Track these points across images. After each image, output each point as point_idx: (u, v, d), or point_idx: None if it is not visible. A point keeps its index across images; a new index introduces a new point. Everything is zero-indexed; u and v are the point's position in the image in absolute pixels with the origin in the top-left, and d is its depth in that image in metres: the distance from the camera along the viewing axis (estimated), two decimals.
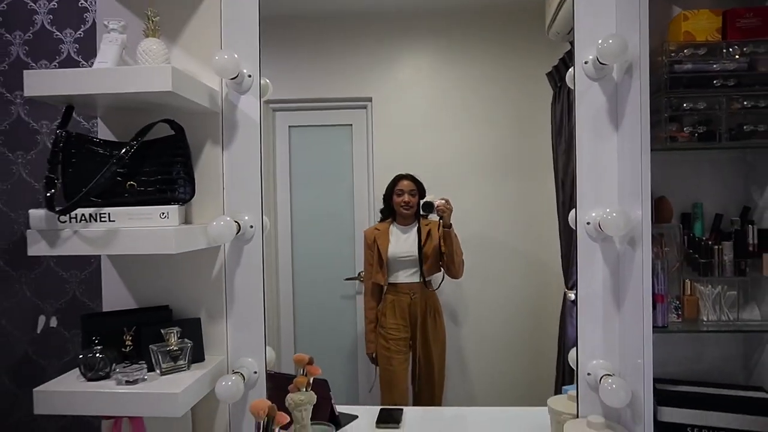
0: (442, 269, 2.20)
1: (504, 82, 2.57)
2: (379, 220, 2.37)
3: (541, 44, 2.13)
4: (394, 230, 2.28)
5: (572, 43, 1.34)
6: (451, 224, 2.17)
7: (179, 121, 1.32)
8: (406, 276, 2.20)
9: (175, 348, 1.27)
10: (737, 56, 1.20)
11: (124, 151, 1.20)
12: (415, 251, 2.20)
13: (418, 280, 2.16)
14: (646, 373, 1.18)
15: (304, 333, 2.56)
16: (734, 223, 1.33)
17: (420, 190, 2.27)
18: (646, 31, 1.16)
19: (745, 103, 1.21)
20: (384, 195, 2.34)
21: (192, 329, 1.34)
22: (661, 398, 1.31)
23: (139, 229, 1.17)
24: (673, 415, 1.30)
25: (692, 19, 1.24)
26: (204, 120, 1.38)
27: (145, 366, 1.23)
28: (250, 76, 1.38)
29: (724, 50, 1.22)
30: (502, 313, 2.53)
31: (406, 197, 2.23)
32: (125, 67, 1.22)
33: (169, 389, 1.17)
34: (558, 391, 2.29)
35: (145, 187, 1.26)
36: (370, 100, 2.64)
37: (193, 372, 1.27)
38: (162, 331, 1.26)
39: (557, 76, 2.26)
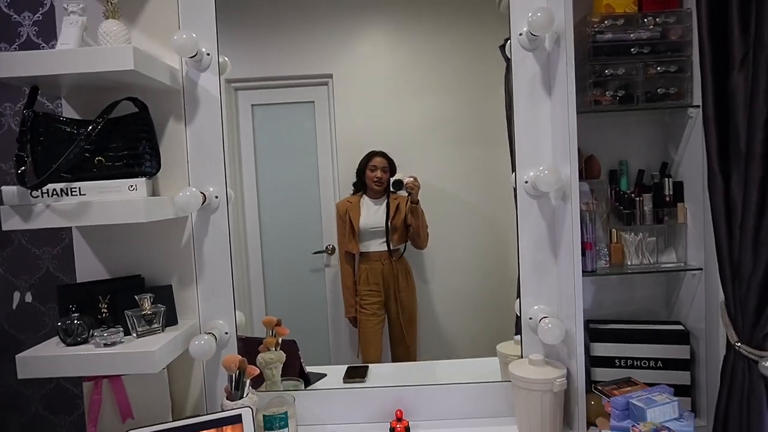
0: (408, 241, 2.35)
1: (460, 54, 2.63)
2: (351, 193, 2.48)
3: (494, 18, 2.23)
4: (366, 203, 2.40)
5: None
6: (418, 200, 2.31)
7: (142, 99, 1.38)
8: (377, 245, 2.33)
9: (149, 312, 1.35)
10: (651, 26, 1.34)
11: (90, 128, 1.27)
12: (383, 223, 2.33)
13: (386, 249, 2.30)
14: (577, 312, 1.33)
15: (274, 305, 2.62)
16: (654, 177, 1.48)
17: (391, 166, 2.39)
18: (570, 4, 1.28)
19: (658, 68, 1.35)
20: (357, 169, 2.45)
21: (164, 296, 1.43)
22: (594, 335, 1.47)
23: (109, 201, 1.24)
24: (603, 349, 1.47)
25: None
26: (166, 97, 1.45)
27: (121, 330, 1.31)
28: (208, 54, 1.45)
29: (640, 21, 1.35)
30: (468, 274, 2.64)
31: (378, 173, 2.35)
32: (88, 47, 1.28)
33: (145, 348, 1.26)
34: None
35: (113, 162, 1.33)
36: (330, 76, 2.68)
37: (167, 334, 1.37)
38: (136, 297, 1.35)
39: (509, 49, 2.37)
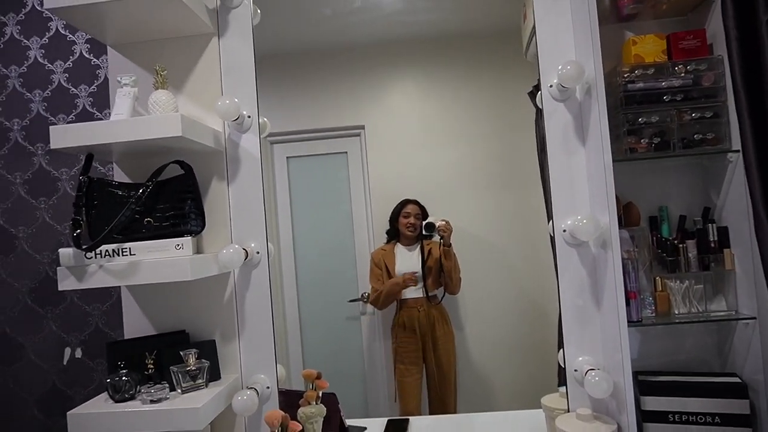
0: (441, 285, 2.34)
1: (489, 100, 2.67)
2: (385, 241, 2.51)
3: (521, 65, 2.27)
4: (399, 250, 2.44)
5: None
6: (450, 244, 2.33)
7: (188, 161, 1.46)
8: (413, 291, 2.34)
9: (193, 368, 1.38)
10: (682, 74, 1.34)
11: (141, 191, 1.34)
12: (419, 268, 2.35)
13: (422, 295, 2.31)
14: (625, 364, 1.29)
15: (312, 355, 2.63)
16: (696, 223, 1.45)
17: (424, 213, 2.43)
18: (599, 56, 1.30)
19: (693, 114, 1.34)
20: (390, 217, 2.50)
21: (208, 350, 1.46)
22: (644, 388, 1.42)
23: (157, 260, 1.29)
24: (655, 403, 1.41)
25: (640, 43, 1.38)
26: (210, 158, 1.52)
27: (167, 386, 1.34)
28: (249, 116, 1.52)
29: (671, 69, 1.36)
30: (504, 322, 2.60)
31: (412, 219, 2.39)
32: (140, 117, 1.36)
33: (190, 405, 1.28)
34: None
35: (161, 222, 1.39)
36: (363, 127, 2.75)
37: (210, 389, 1.38)
38: (181, 353, 1.38)
39: (538, 93, 2.39)
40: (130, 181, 1.48)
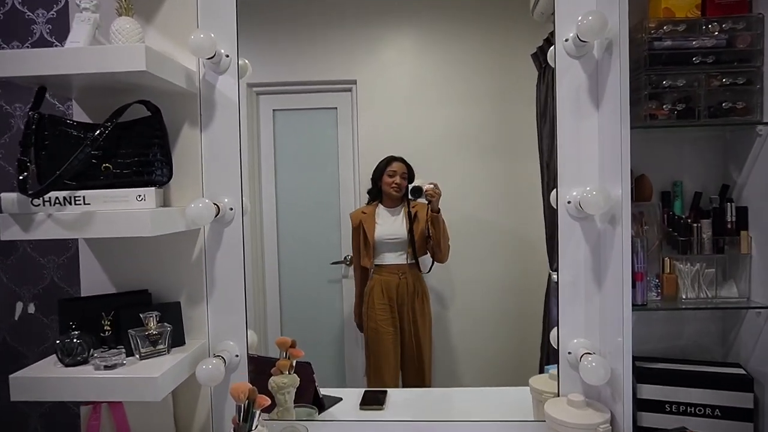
0: (428, 252, 2.21)
1: (488, 62, 2.55)
2: (366, 202, 2.36)
3: (526, 24, 2.11)
4: (381, 212, 2.28)
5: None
6: (439, 209, 2.17)
7: (156, 102, 1.30)
8: (394, 258, 2.20)
9: (154, 332, 1.26)
10: (716, 33, 1.20)
11: (98, 132, 1.18)
12: (402, 233, 2.19)
13: (405, 262, 2.17)
14: (625, 350, 1.19)
15: (291, 317, 2.56)
16: (713, 201, 1.34)
17: (410, 173, 2.26)
18: (625, 7, 1.15)
19: (723, 80, 1.21)
20: (373, 176, 2.32)
21: (172, 313, 1.33)
22: (640, 375, 1.33)
23: (114, 212, 1.15)
24: (651, 392, 1.32)
25: None
26: (181, 101, 1.36)
27: (123, 351, 1.22)
28: (227, 56, 1.36)
29: (703, 27, 1.21)
30: (487, 295, 2.53)
31: (397, 179, 2.22)
32: (98, 46, 1.19)
33: (147, 373, 1.16)
34: (542, 371, 2.32)
35: (121, 169, 1.24)
36: (354, 82, 2.61)
37: (173, 356, 1.27)
38: (141, 316, 1.25)
39: (542, 56, 2.23)
40: (91, 122, 1.31)
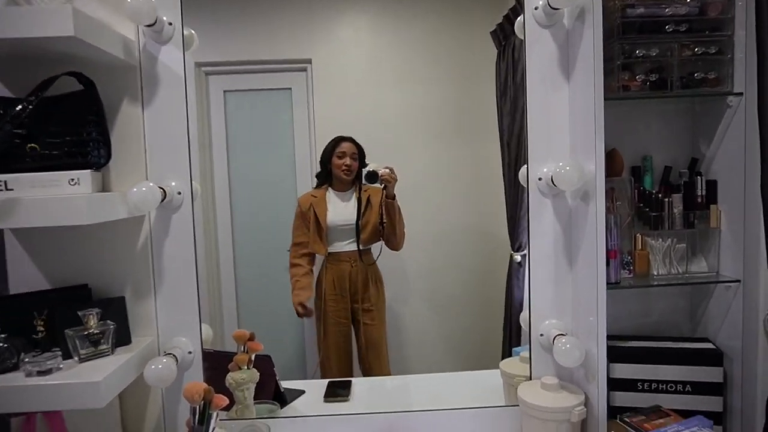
0: (381, 239, 2.12)
1: (447, 40, 2.50)
2: (314, 185, 2.26)
3: (485, 2, 2.06)
4: (331, 197, 2.17)
5: None
6: (395, 195, 2.07)
7: (90, 75, 1.16)
8: (345, 245, 2.11)
9: (95, 331, 1.13)
10: (688, 0, 1.16)
11: (20, 108, 1.03)
12: (353, 219, 2.10)
13: (356, 249, 2.08)
14: (600, 331, 1.16)
15: (247, 307, 2.46)
16: (683, 175, 1.32)
17: (361, 154, 2.16)
18: None
19: (695, 49, 1.17)
20: (321, 158, 2.21)
21: (115, 309, 1.21)
22: (612, 355, 1.30)
23: (44, 198, 1.01)
24: (624, 371, 1.30)
25: None
26: (120, 74, 1.22)
27: (59, 353, 1.09)
28: (171, 23, 1.23)
29: None
30: (447, 278, 2.51)
31: (347, 160, 2.11)
32: (15, 7, 1.04)
33: (88, 377, 1.03)
34: (506, 353, 2.31)
35: (51, 150, 1.10)
36: (309, 62, 2.50)
37: (117, 356, 1.15)
38: (79, 314, 1.12)
39: (501, 34, 2.19)
40: (12, 97, 1.16)
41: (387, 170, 2.01)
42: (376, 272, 2.15)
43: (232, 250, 2.48)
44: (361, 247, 2.08)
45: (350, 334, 2.14)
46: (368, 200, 2.10)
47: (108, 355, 1.15)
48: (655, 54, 1.17)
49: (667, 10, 1.16)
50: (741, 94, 1.15)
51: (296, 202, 2.47)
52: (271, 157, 2.55)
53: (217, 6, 2.39)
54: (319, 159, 2.26)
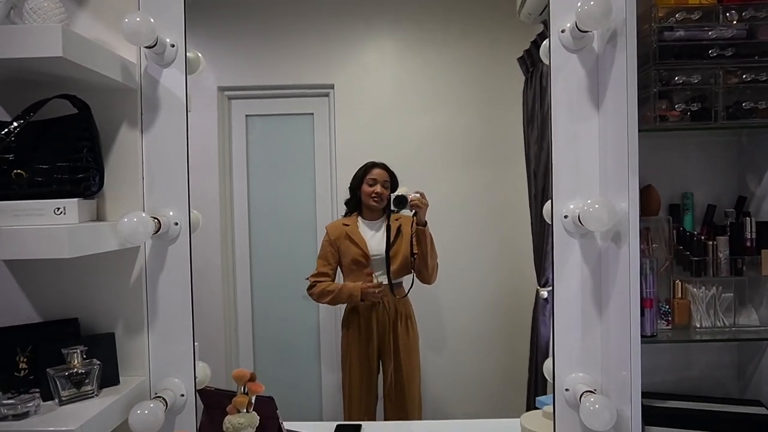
0: (413, 272, 1.99)
1: (473, 66, 2.44)
2: (343, 213, 2.17)
3: (512, 27, 1.99)
4: (361, 226, 2.07)
5: (545, 23, 1.17)
6: (426, 222, 1.94)
7: (85, 99, 1.10)
8: (373, 279, 1.99)
9: (79, 371, 1.05)
10: (735, 22, 1.04)
11: (5, 132, 0.98)
12: (382, 250, 1.98)
13: (387, 282, 1.95)
14: (633, 390, 1.03)
15: (264, 336, 2.40)
16: (729, 215, 1.18)
17: (393, 182, 2.05)
18: None
19: (744, 76, 1.05)
20: (351, 184, 2.11)
21: (104, 346, 1.14)
22: (648, 416, 1.15)
23: (24, 228, 0.95)
24: None
25: None
26: (118, 98, 1.17)
27: (38, 395, 1.01)
28: (173, 45, 1.17)
29: (721, 15, 1.06)
30: (471, 313, 2.39)
31: (378, 188, 2.00)
32: (2, 26, 1.00)
33: (63, 424, 0.95)
34: (531, 396, 2.16)
35: (40, 176, 1.04)
36: (332, 87, 2.48)
37: (101, 399, 1.07)
38: (63, 351, 1.05)
39: (529, 60, 2.11)
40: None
41: (417, 195, 1.89)
42: (407, 308, 2.01)
43: (249, 277, 2.44)
44: (390, 282, 1.95)
45: (376, 375, 2.01)
46: (399, 229, 1.98)
47: (92, 397, 1.07)
48: (696, 81, 1.05)
49: (710, 32, 1.04)
50: None
51: (315, 228, 2.39)
52: (291, 182, 2.51)
53: (241, 31, 2.38)
54: (342, 186, 2.18)
